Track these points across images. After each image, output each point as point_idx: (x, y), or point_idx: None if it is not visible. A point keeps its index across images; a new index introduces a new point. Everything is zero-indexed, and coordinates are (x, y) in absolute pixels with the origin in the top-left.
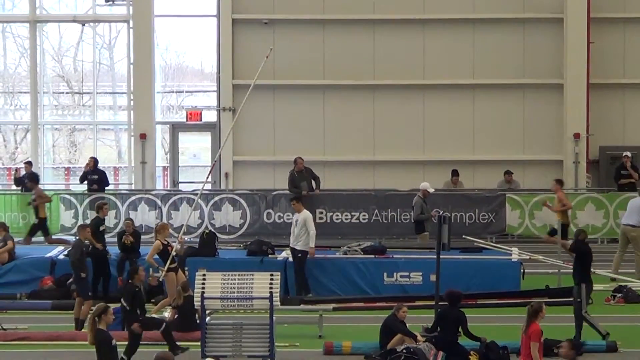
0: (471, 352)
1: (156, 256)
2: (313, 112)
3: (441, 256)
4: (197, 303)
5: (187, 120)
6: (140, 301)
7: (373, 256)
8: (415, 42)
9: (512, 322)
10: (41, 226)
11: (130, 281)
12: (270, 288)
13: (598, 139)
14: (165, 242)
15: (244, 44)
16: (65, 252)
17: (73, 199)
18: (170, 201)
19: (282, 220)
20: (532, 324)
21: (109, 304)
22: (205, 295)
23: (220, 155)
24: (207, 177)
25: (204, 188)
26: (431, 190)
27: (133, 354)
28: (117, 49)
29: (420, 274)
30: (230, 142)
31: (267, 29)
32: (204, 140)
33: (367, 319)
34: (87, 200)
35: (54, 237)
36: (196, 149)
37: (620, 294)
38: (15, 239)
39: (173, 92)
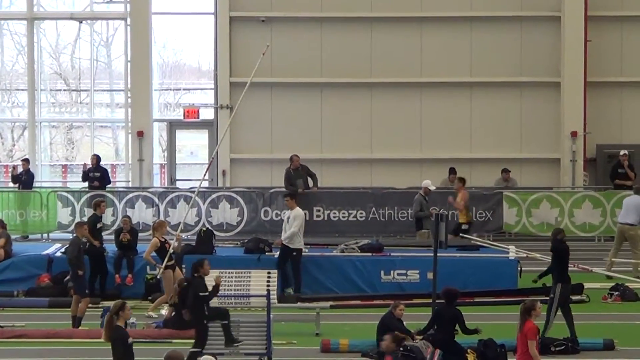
0: (468, 350)
1: (153, 254)
2: (310, 109)
3: (438, 254)
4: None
5: (184, 118)
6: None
7: (370, 254)
8: (412, 40)
9: (509, 320)
10: None
11: (196, 274)
12: (268, 286)
13: (595, 137)
14: (163, 240)
15: (242, 41)
16: (63, 250)
17: (70, 197)
18: (168, 199)
19: (279, 217)
20: (527, 321)
21: (125, 301)
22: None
23: (217, 153)
24: (205, 175)
25: (201, 186)
26: (432, 187)
27: (204, 346)
28: (114, 46)
29: (418, 271)
30: (228, 140)
31: (265, 27)
32: (201, 137)
33: (364, 317)
34: (85, 197)
35: (51, 235)
36: (193, 146)
37: (617, 292)
38: (12, 237)
39: (170, 89)
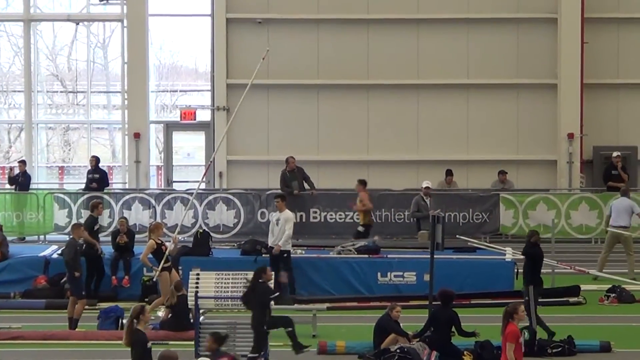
0: (465, 352)
1: (150, 255)
2: (307, 111)
3: (435, 256)
4: (191, 302)
5: (181, 120)
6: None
7: (367, 256)
8: (409, 41)
9: None
10: None
11: (260, 281)
12: None
13: (592, 139)
14: (159, 242)
15: (238, 43)
16: (59, 252)
17: (67, 198)
18: (164, 200)
19: None
20: (508, 324)
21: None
22: (199, 294)
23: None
24: (202, 178)
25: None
26: (427, 184)
27: (261, 351)
28: (111, 48)
29: (414, 273)
30: (224, 142)
31: (261, 29)
32: (198, 139)
33: (360, 319)
34: (81, 199)
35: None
36: (190, 148)
37: (613, 294)
38: (9, 238)
39: (167, 91)
